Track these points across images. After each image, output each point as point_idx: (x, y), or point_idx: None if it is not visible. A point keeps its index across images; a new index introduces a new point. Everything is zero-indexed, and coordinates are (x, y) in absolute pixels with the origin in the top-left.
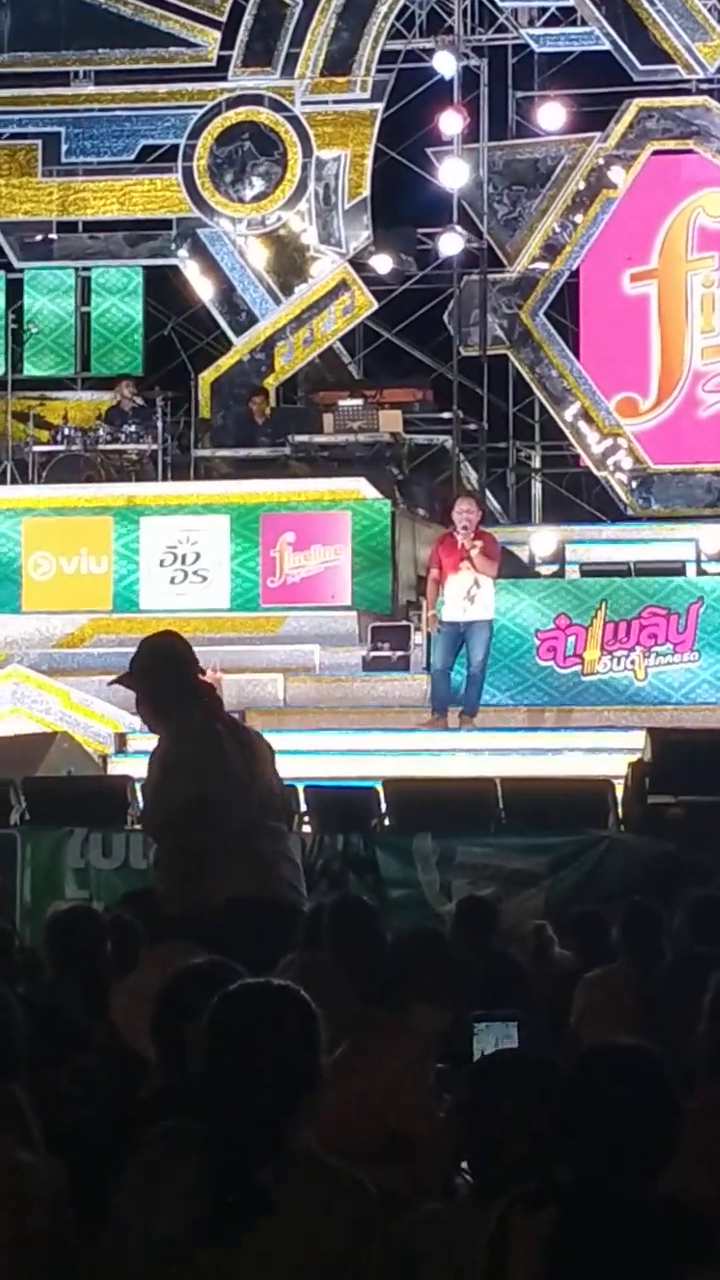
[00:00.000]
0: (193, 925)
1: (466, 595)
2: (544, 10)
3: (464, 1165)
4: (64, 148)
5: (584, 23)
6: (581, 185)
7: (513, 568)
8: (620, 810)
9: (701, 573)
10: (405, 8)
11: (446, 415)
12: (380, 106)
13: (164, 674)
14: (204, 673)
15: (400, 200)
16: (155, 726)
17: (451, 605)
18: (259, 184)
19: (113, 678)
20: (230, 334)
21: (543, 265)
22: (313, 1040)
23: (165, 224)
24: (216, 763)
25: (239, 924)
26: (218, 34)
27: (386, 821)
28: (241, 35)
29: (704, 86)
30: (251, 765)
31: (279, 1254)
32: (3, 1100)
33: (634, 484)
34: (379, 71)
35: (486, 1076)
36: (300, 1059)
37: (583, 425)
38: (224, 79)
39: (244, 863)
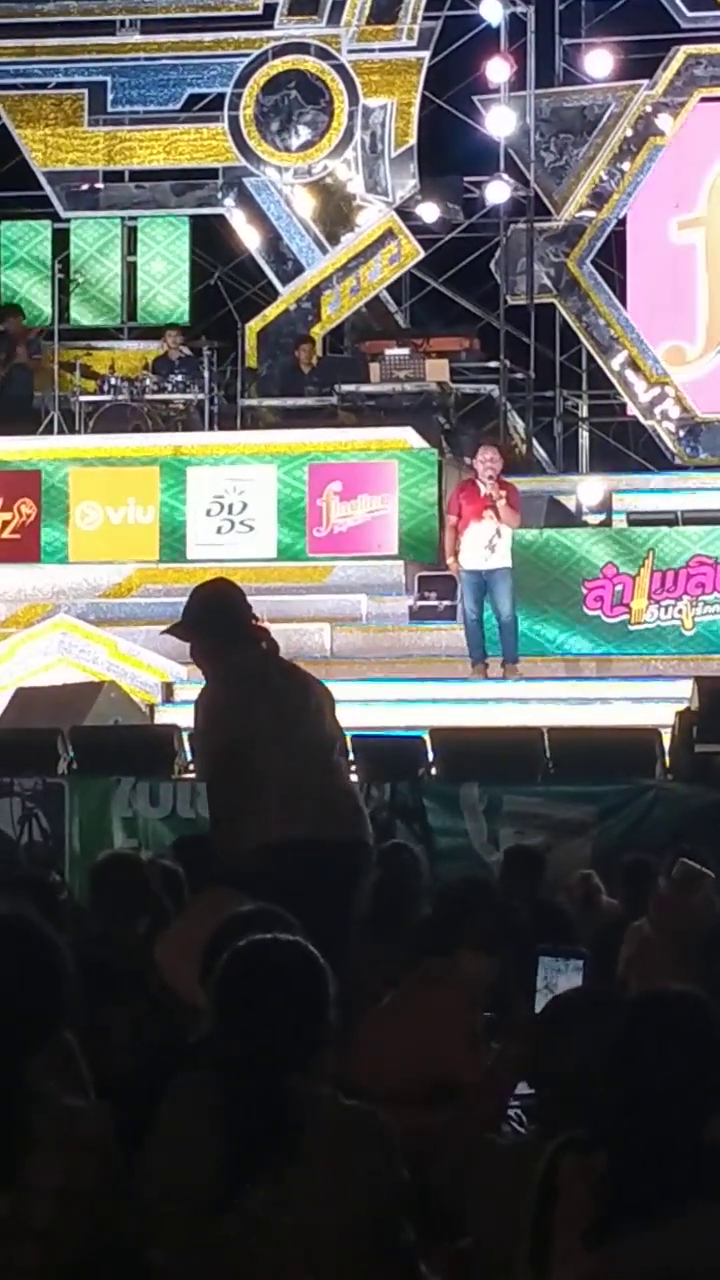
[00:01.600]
0: (239, 869)
1: (488, 544)
2: None
3: (515, 1110)
4: (110, 97)
5: None
6: (629, 133)
7: (560, 517)
8: (668, 759)
9: None
10: None
11: (493, 364)
12: (427, 54)
13: (216, 621)
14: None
15: (447, 148)
16: (206, 673)
17: (472, 553)
18: (305, 133)
19: (164, 627)
20: (277, 283)
21: (590, 213)
22: (320, 995)
23: (211, 173)
24: (263, 703)
25: (287, 866)
26: None
27: (434, 771)
28: None
29: None
30: (306, 707)
31: (300, 1197)
32: (52, 1045)
33: (681, 433)
34: (425, 19)
35: (557, 1012)
36: (308, 1013)
37: (630, 374)
38: (270, 27)
39: (297, 803)
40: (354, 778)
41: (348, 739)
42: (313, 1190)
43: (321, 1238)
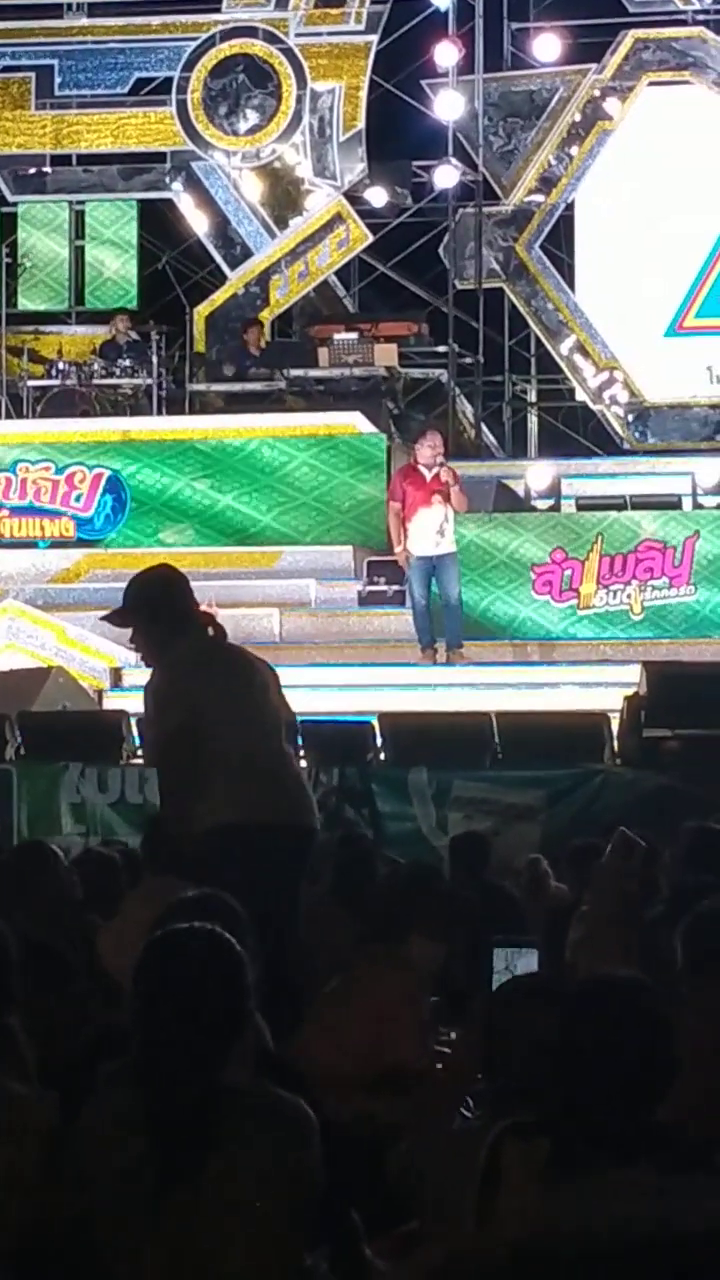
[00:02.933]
0: (189, 852)
1: (438, 530)
2: None
3: (466, 1099)
4: (57, 80)
5: None
6: (577, 117)
7: (508, 502)
8: (616, 744)
9: (698, 506)
10: None
11: (442, 349)
12: (375, 38)
13: (158, 607)
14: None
15: (395, 133)
16: (149, 659)
17: (421, 539)
18: (253, 117)
19: (104, 613)
20: (225, 268)
21: (538, 198)
22: (237, 983)
23: (159, 157)
24: (211, 687)
25: (235, 850)
26: None
27: (383, 756)
28: None
29: (700, 17)
30: (254, 690)
31: (217, 1186)
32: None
33: (630, 417)
34: (374, 3)
35: (508, 999)
36: (224, 1002)
37: (578, 359)
38: (218, 11)
39: (243, 787)
40: (303, 762)
41: (297, 722)
42: (234, 1181)
43: (245, 1228)
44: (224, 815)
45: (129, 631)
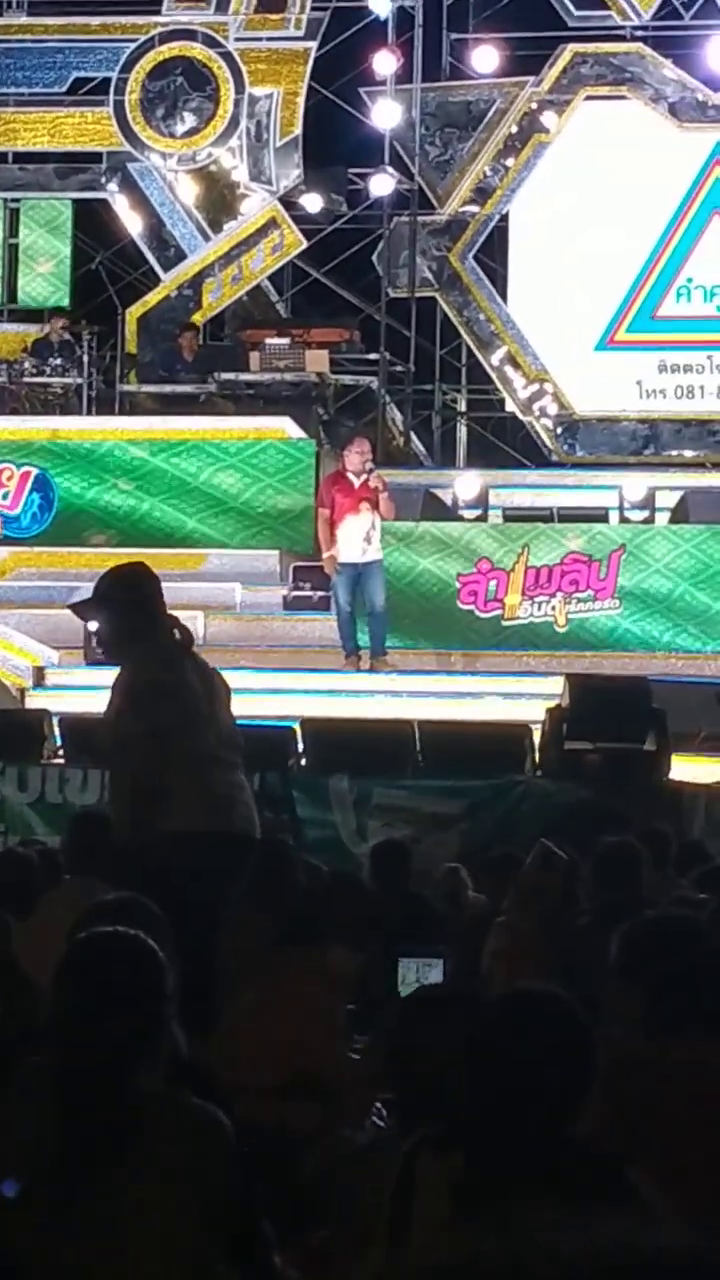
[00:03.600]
0: (140, 856)
1: (365, 537)
2: None
3: (376, 1105)
4: None
5: None
6: (514, 129)
7: (436, 510)
8: (537, 755)
9: (624, 520)
10: None
11: (373, 356)
12: (314, 45)
13: (133, 604)
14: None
15: (332, 140)
16: (117, 656)
17: (349, 546)
18: (191, 119)
19: (71, 602)
20: (159, 270)
21: (473, 208)
22: (156, 987)
23: (96, 157)
24: (180, 692)
25: (185, 858)
26: None
27: (304, 761)
28: None
29: (638, 33)
30: (212, 698)
31: (129, 1190)
32: None
33: (559, 430)
34: (313, 9)
35: (413, 1010)
36: (143, 1005)
37: (509, 370)
38: (158, 13)
39: (201, 794)
40: None
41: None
42: (146, 1185)
43: (155, 1235)
44: (183, 820)
45: (95, 626)
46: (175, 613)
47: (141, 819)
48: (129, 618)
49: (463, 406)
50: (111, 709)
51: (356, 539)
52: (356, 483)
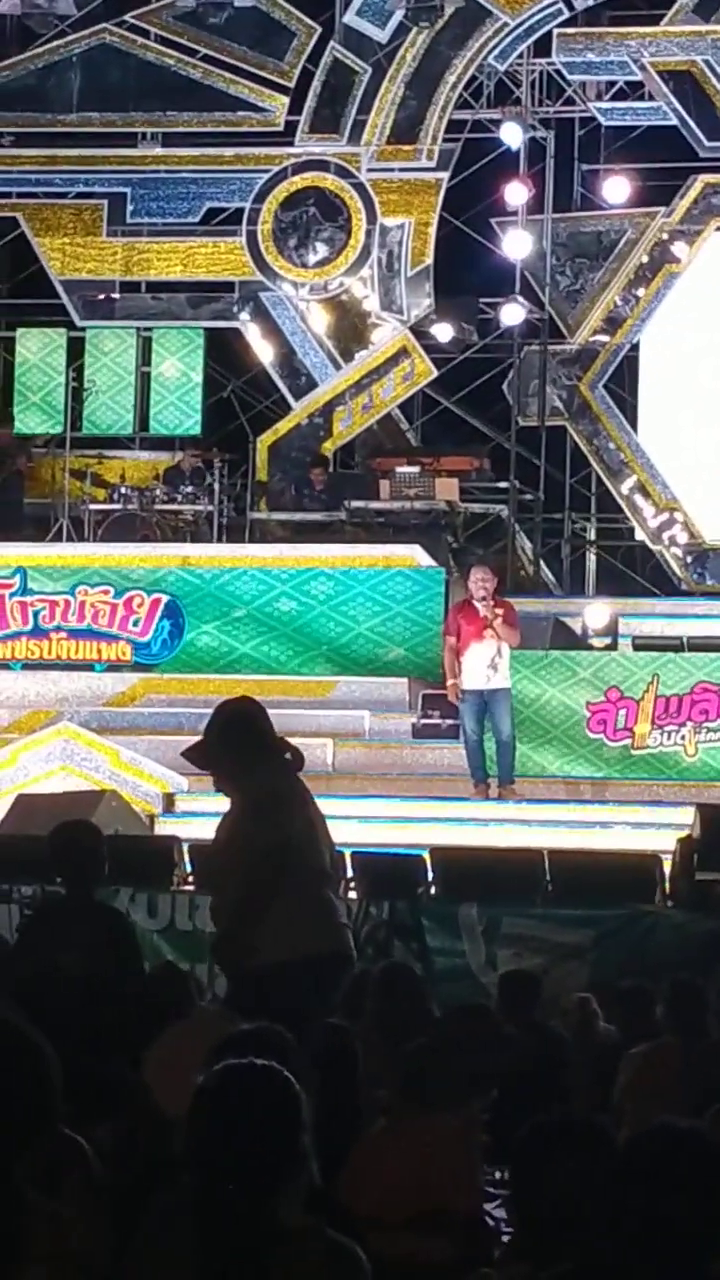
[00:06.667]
0: (256, 982)
1: (490, 664)
2: (612, 84)
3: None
4: (130, 208)
5: (651, 97)
6: (644, 259)
7: (565, 639)
8: (668, 885)
9: None
10: (473, 78)
11: (503, 485)
12: (446, 175)
13: (236, 741)
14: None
15: (463, 269)
16: (229, 791)
17: (474, 674)
18: (322, 249)
19: (183, 751)
20: (289, 398)
21: (603, 338)
22: (294, 1121)
23: (228, 286)
24: (295, 813)
25: (316, 981)
26: (285, 99)
27: (433, 890)
28: (309, 101)
29: None
30: (318, 821)
31: None
32: (52, 1151)
33: (689, 559)
34: (445, 140)
35: (540, 1141)
36: (283, 1136)
37: (639, 499)
38: (291, 144)
39: (320, 910)
40: (352, 894)
41: (346, 855)
42: None
43: None
44: (280, 952)
45: (198, 759)
46: (305, 740)
47: (249, 946)
48: (240, 753)
49: (592, 535)
50: (224, 830)
51: (481, 666)
52: (480, 611)
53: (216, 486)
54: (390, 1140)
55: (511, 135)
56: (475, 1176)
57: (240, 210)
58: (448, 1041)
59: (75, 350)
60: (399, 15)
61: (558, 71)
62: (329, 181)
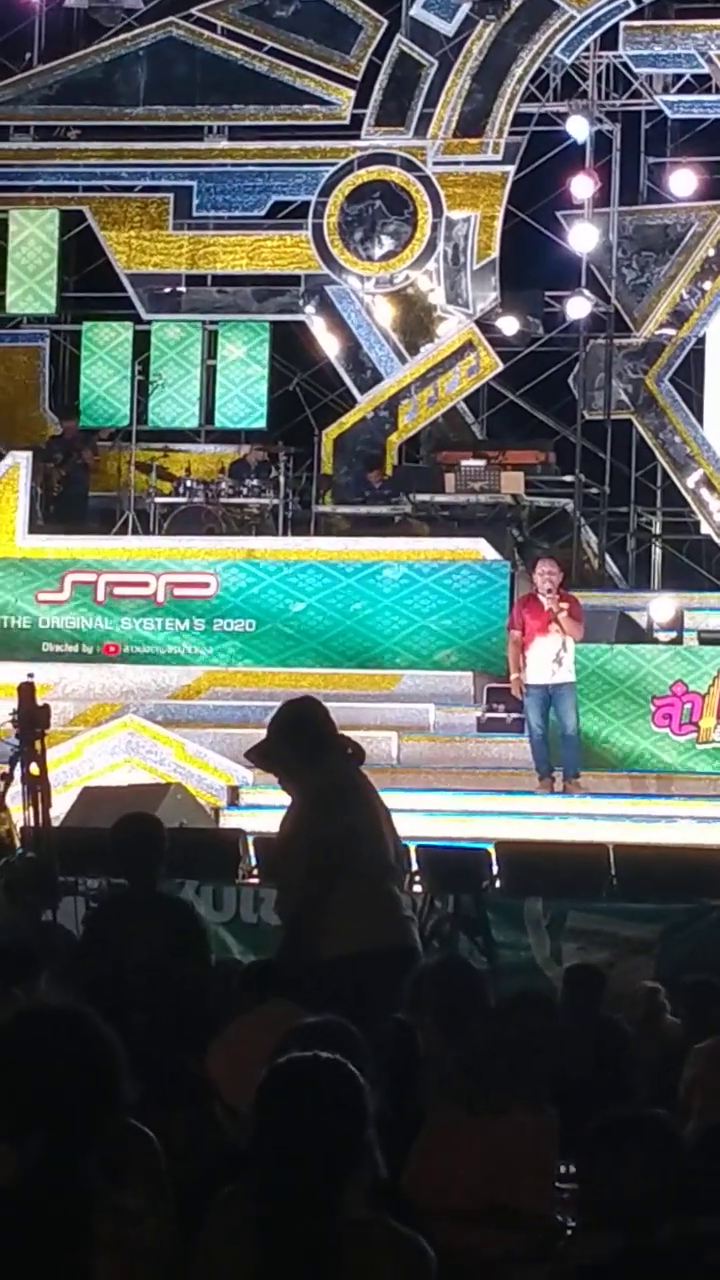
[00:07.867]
0: (317, 976)
1: (555, 658)
2: (678, 77)
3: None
4: (195, 201)
5: (718, 90)
6: (711, 252)
7: (631, 633)
8: None
9: None
10: (540, 71)
11: (569, 478)
12: (512, 169)
13: (296, 738)
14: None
15: (529, 262)
16: (291, 788)
17: (538, 668)
18: (388, 243)
19: (247, 751)
20: (355, 391)
21: (669, 331)
22: (357, 1113)
23: (293, 280)
24: (357, 805)
25: (380, 975)
26: (352, 92)
27: (498, 884)
28: (375, 94)
29: None
30: (381, 816)
31: None
32: (121, 1142)
33: None
34: (512, 134)
35: (606, 1136)
36: (348, 1129)
37: (705, 492)
38: (357, 137)
39: (384, 903)
40: (417, 888)
41: (411, 849)
42: None
43: None
44: (344, 946)
45: (260, 759)
46: (369, 733)
47: (312, 943)
48: (301, 749)
49: (658, 529)
50: (287, 824)
51: (546, 660)
52: (546, 604)
53: (281, 480)
54: (460, 1134)
55: (578, 128)
56: (548, 1177)
57: (306, 204)
58: (509, 1037)
59: (141, 344)
60: (465, 8)
61: (624, 64)
62: (395, 175)
